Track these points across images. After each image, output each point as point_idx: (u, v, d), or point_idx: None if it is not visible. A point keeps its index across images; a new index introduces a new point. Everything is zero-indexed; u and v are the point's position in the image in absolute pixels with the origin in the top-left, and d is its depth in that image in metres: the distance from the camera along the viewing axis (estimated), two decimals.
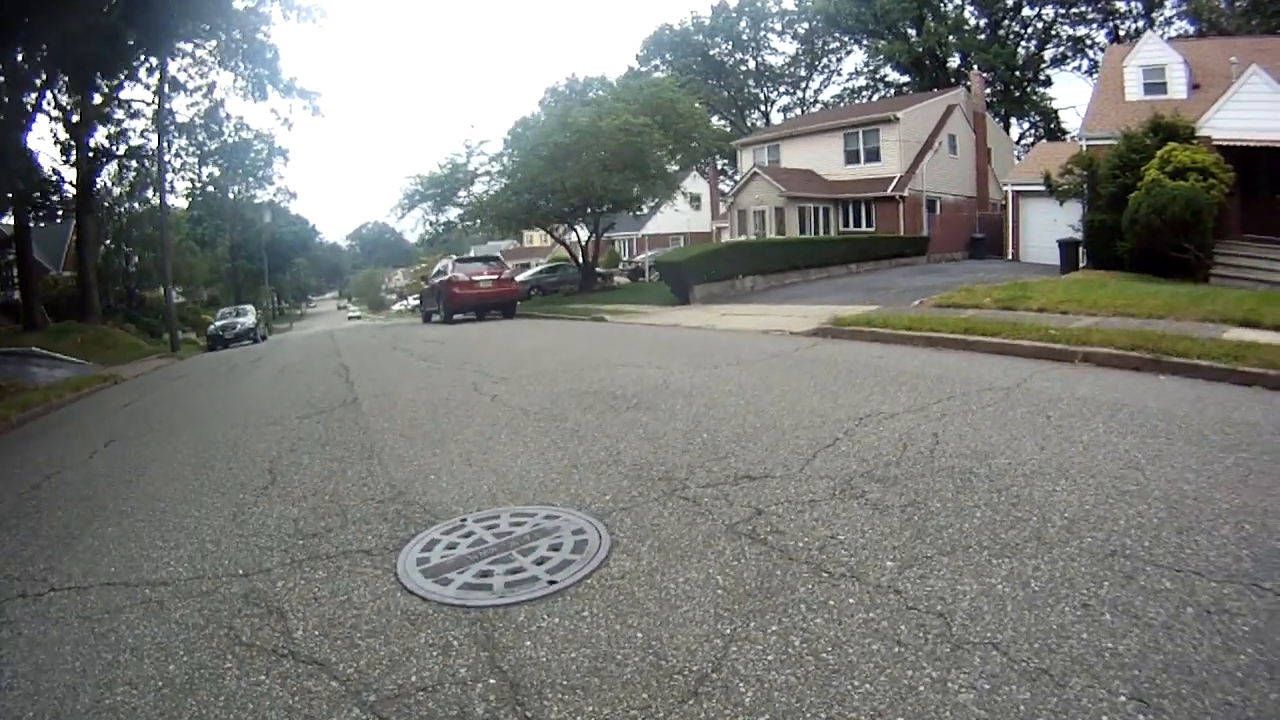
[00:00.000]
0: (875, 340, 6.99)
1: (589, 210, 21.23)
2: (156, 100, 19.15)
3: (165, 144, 21.44)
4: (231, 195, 44.51)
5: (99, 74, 17.92)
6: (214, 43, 21.53)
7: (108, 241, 31.40)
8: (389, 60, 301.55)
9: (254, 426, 4.85)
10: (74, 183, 21.75)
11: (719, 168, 41.32)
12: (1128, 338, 5.44)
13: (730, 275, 15.12)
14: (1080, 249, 15.70)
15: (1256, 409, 3.65)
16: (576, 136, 17.79)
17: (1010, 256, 20.73)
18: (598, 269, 26.13)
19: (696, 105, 27.67)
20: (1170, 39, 25.14)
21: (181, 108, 24.60)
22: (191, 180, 29.74)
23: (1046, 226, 19.39)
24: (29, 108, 18.07)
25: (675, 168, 24.21)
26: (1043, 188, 17.41)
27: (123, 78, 19.37)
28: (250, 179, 43.49)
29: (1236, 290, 10.21)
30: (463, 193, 21.71)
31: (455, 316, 16.05)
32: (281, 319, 61.20)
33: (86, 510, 3.32)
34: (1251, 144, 14.20)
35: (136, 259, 33.92)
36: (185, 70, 22.72)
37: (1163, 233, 12.78)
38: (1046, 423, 3.50)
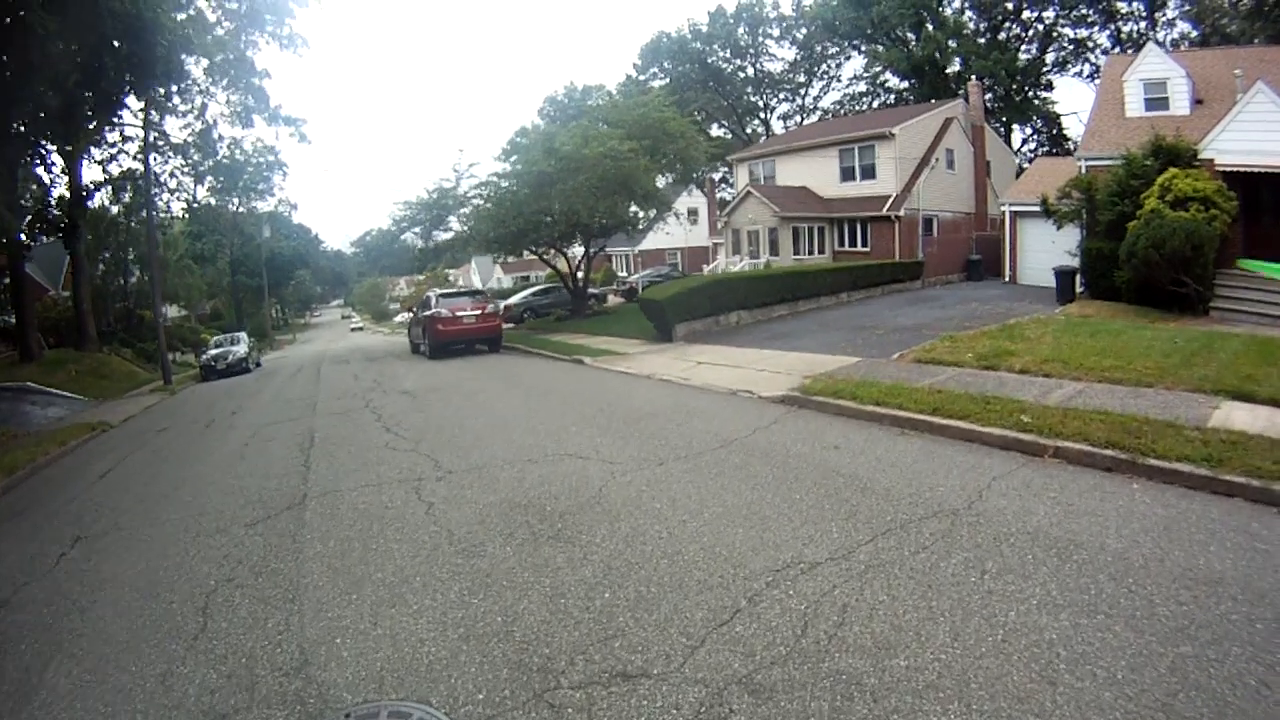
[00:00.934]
0: (840, 416, 6.75)
1: (577, 234, 21.02)
2: (144, 130, 19.12)
3: (154, 175, 21.48)
4: (231, 208, 44.65)
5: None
6: (205, 63, 21.55)
7: (106, 254, 31.60)
8: (395, 61, 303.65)
9: (204, 535, 5.09)
10: (64, 215, 21.83)
11: (717, 178, 40.95)
12: (1105, 428, 5.16)
13: (714, 312, 14.80)
14: (1077, 277, 15.27)
15: (1227, 549, 3.41)
16: (561, 164, 17.59)
17: (1008, 279, 20.31)
18: (591, 290, 25.94)
19: (694, 117, 27.35)
20: (1172, 50, 24.53)
21: (174, 129, 24.72)
22: (187, 200, 29.83)
23: (1045, 248, 18.95)
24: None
25: (666, 181, 23.89)
26: (1041, 208, 16.99)
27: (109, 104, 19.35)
28: (250, 193, 43.71)
29: (1235, 334, 9.82)
30: (452, 218, 21.58)
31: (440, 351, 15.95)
32: (285, 330, 61.60)
33: (46, 649, 3.62)
34: (1256, 170, 13.70)
35: (135, 275, 34.11)
36: (174, 95, 22.75)
37: (1161, 267, 12.36)
38: (979, 585, 3.25)
